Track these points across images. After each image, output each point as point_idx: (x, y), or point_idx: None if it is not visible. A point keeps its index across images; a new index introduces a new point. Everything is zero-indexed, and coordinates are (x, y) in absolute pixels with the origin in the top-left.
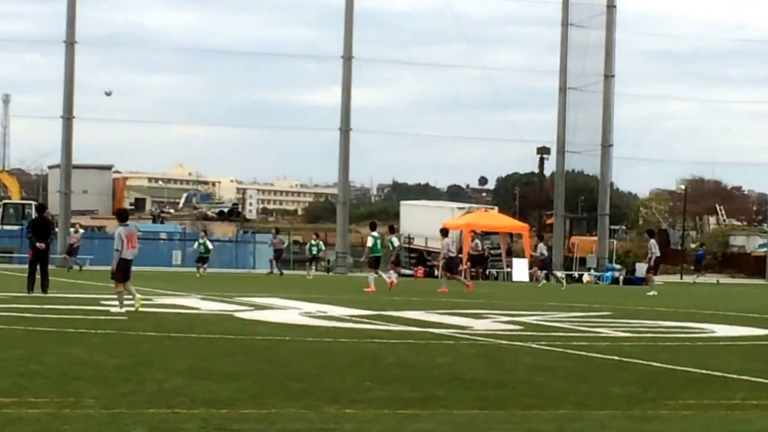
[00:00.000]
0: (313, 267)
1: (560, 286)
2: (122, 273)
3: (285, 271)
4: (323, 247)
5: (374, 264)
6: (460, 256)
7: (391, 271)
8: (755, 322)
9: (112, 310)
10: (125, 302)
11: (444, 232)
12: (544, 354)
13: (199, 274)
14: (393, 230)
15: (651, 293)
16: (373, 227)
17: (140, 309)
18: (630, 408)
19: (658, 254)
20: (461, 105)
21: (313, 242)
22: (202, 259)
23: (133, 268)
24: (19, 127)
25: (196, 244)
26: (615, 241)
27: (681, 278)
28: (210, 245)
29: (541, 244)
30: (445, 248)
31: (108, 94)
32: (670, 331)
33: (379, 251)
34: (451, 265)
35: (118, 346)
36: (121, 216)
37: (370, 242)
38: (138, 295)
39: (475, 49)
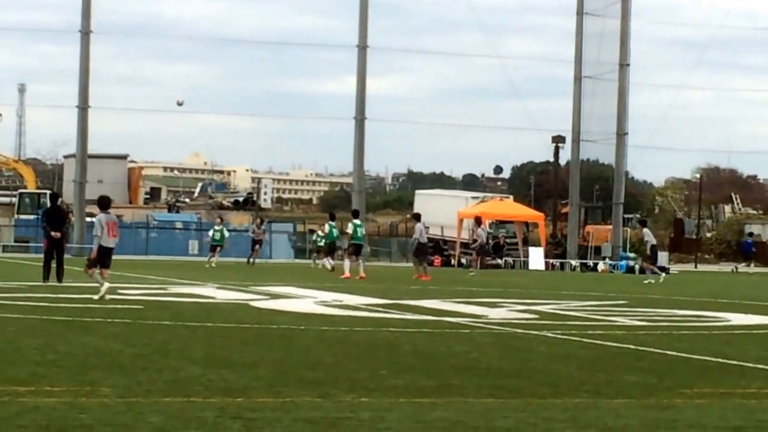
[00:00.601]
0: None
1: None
2: (100, 259)
3: (301, 261)
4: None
5: (355, 251)
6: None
7: (327, 259)
8: None
9: (96, 297)
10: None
11: (417, 217)
12: (559, 343)
13: (209, 264)
14: (333, 218)
15: (648, 282)
16: (355, 215)
17: (107, 298)
18: (646, 397)
19: (654, 242)
20: (477, 94)
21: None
22: (215, 247)
23: (151, 257)
24: (35, 117)
25: (212, 231)
26: (630, 230)
27: (695, 267)
28: (227, 233)
29: (480, 229)
30: (417, 233)
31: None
32: (685, 319)
33: (360, 239)
34: (420, 251)
35: (134, 335)
36: (102, 203)
37: (350, 229)
38: (107, 286)
39: (490, 38)
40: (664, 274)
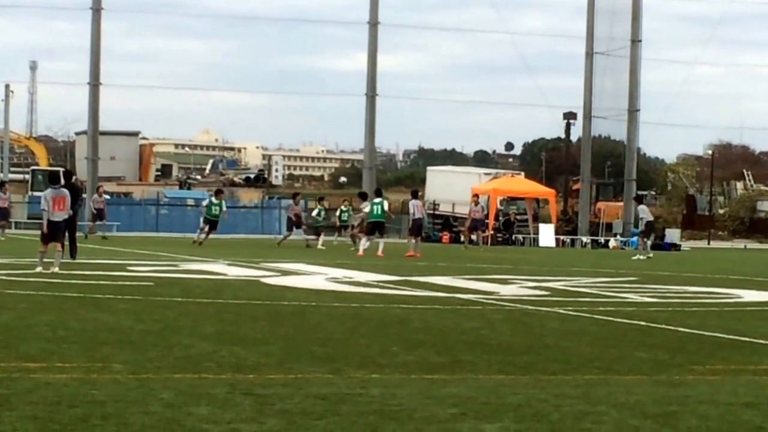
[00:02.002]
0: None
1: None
2: (50, 234)
3: (310, 237)
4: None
5: (373, 230)
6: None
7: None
8: None
9: (49, 270)
10: (53, 261)
11: (414, 194)
12: (570, 319)
13: (195, 240)
14: (321, 200)
15: (637, 257)
16: (377, 194)
17: (57, 272)
18: (657, 373)
19: (650, 219)
20: (488, 70)
21: (343, 208)
22: (212, 222)
23: (161, 234)
24: (47, 94)
25: (206, 201)
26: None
27: (708, 243)
28: (225, 207)
29: (476, 206)
30: (411, 209)
31: None
32: (697, 296)
33: (379, 216)
34: (414, 228)
35: (145, 311)
36: (52, 179)
37: (367, 208)
38: (60, 262)
39: (501, 14)
40: (650, 254)
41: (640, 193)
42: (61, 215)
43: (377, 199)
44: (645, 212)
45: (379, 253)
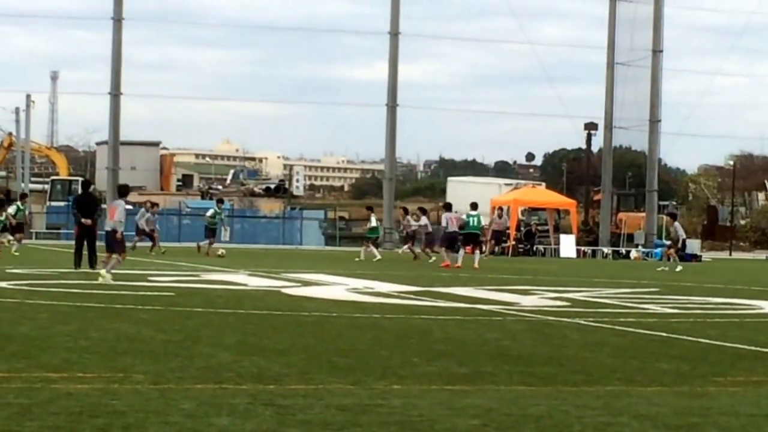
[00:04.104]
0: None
1: (428, 259)
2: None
3: (332, 248)
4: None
5: (464, 242)
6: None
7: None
8: None
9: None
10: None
11: (447, 207)
12: (591, 330)
13: (201, 248)
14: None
15: (661, 269)
16: (473, 207)
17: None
18: (678, 384)
19: (684, 236)
20: (509, 80)
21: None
22: (213, 232)
23: (183, 244)
24: (68, 104)
25: (211, 211)
26: (664, 217)
27: (730, 254)
28: (223, 217)
29: (408, 217)
30: (444, 222)
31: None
32: (718, 307)
33: (474, 228)
34: (446, 240)
35: (166, 321)
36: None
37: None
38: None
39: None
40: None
41: (672, 211)
42: (109, 224)
43: (474, 212)
44: (680, 230)
45: (476, 265)
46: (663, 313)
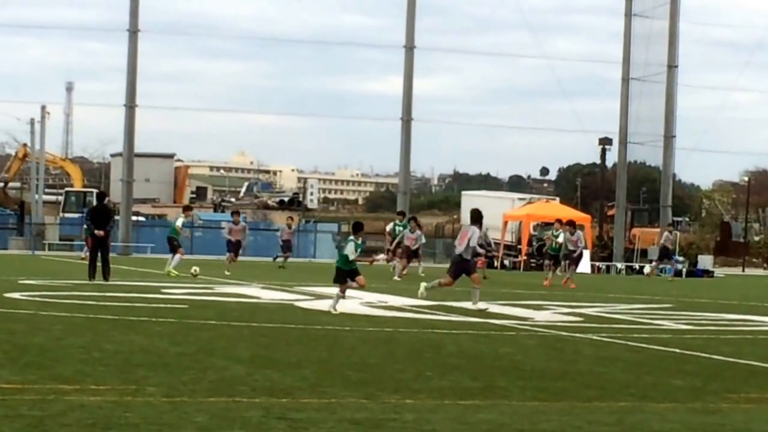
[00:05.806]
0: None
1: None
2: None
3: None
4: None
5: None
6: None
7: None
8: None
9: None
10: None
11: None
12: (605, 345)
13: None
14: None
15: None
16: (564, 223)
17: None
18: (692, 401)
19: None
20: (523, 94)
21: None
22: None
23: (196, 257)
24: (83, 115)
25: (180, 221)
26: (678, 233)
27: (743, 270)
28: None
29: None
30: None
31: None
32: (732, 323)
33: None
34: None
35: (179, 334)
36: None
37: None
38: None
39: (537, 38)
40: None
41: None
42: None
43: (557, 231)
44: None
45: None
46: (677, 329)
